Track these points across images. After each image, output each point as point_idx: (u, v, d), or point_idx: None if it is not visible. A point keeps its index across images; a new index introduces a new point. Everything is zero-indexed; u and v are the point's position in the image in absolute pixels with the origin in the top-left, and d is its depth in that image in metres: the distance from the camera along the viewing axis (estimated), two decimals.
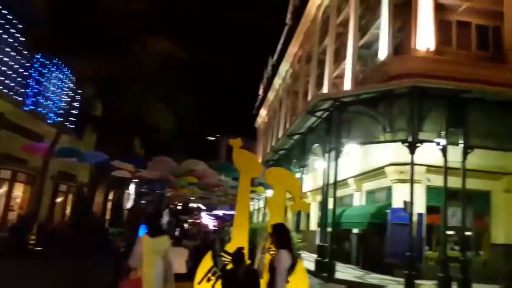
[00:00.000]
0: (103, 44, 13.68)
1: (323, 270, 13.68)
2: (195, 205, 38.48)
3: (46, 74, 16.32)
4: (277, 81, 43.79)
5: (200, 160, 17.19)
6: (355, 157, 17.15)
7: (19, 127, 15.15)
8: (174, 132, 21.26)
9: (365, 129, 14.24)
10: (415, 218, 13.20)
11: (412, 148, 12.63)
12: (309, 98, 26.77)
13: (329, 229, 15.07)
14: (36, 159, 15.04)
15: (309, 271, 10.08)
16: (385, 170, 15.38)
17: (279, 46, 44.19)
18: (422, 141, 12.74)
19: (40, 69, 15.93)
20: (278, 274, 4.56)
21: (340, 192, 17.34)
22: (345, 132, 14.54)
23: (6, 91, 13.61)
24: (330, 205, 15.04)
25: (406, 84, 13.36)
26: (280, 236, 4.85)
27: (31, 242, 12.19)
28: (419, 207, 14.07)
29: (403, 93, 13.42)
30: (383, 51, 18.21)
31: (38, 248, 12.28)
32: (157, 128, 18.69)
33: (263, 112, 54.25)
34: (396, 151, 14.31)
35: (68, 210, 19.81)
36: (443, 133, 12.78)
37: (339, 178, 14.98)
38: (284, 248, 4.68)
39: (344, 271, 14.76)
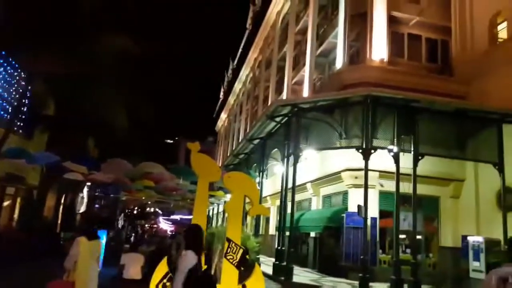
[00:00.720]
0: (56, 39, 13.11)
1: (280, 274, 13.80)
2: (152, 209, 37.67)
3: None
4: (238, 86, 43.96)
5: (158, 163, 16.83)
6: (313, 162, 17.52)
7: None
8: (131, 133, 20.70)
9: (322, 135, 14.58)
10: (369, 222, 13.64)
11: (366, 155, 13.07)
12: (269, 103, 27.07)
13: (287, 233, 15.25)
14: None
15: (266, 275, 10.16)
16: (341, 175, 15.81)
17: (240, 51, 44.40)
18: (375, 148, 13.21)
19: None
20: (179, 273, 4.58)
21: (298, 197, 17.63)
22: (303, 137, 14.81)
23: None
24: (289, 209, 15.23)
25: (360, 92, 13.84)
26: (189, 237, 4.89)
27: None
28: (373, 211, 14.56)
29: (357, 101, 13.88)
30: (339, 60, 18.79)
31: None
32: (113, 128, 18.10)
33: (223, 115, 54.18)
34: (351, 157, 14.74)
35: (16, 214, 18.70)
36: (395, 140, 13.33)
37: (298, 182, 15.20)
38: (190, 249, 4.73)
39: (301, 275, 14.97)
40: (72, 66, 14.24)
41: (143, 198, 23.83)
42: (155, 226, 40.34)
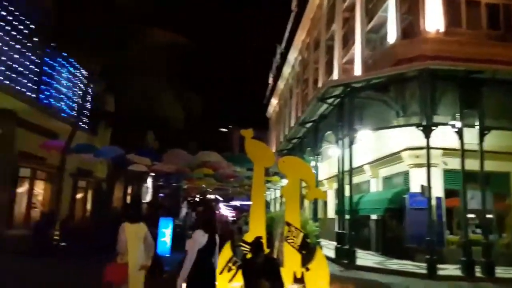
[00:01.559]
0: (111, 37, 13.70)
1: (343, 257, 13.71)
2: (212, 196, 38.81)
3: (57, 71, 16.50)
4: (287, 70, 43.49)
5: (213, 151, 17.26)
6: (369, 143, 17.02)
7: (34, 125, 15.38)
8: (186, 124, 21.35)
9: (378, 115, 14.08)
10: (433, 202, 13.05)
11: (426, 132, 12.45)
12: (320, 85, 26.57)
13: (347, 216, 15.04)
14: (54, 157, 15.28)
15: (329, 258, 10.11)
16: (401, 155, 15.23)
17: (286, 34, 43.79)
18: (436, 124, 12.55)
19: (51, 66, 16.10)
20: (188, 250, 4.86)
21: (356, 179, 17.26)
22: (358, 118, 14.40)
23: (19, 88, 13.80)
24: (347, 192, 14.99)
25: (417, 67, 13.14)
26: (201, 218, 5.15)
27: (55, 239, 12.45)
28: (437, 191, 13.91)
29: (414, 76, 13.21)
30: (391, 35, 17.91)
31: (62, 244, 12.54)
32: (169, 120, 18.77)
33: (274, 101, 54.04)
34: (411, 136, 14.14)
35: (88, 206, 20.14)
36: (457, 115, 12.56)
37: (354, 165, 14.88)
38: (199, 228, 5.00)
39: (364, 258, 14.75)
40: (127, 62, 14.86)
41: (203, 185, 24.66)
42: (217, 212, 41.63)
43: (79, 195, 19.20)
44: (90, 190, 20.17)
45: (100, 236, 12.65)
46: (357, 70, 20.94)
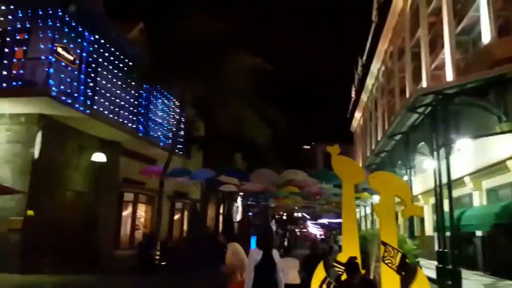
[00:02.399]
0: (196, 67, 14.61)
1: (446, 278, 12.61)
2: (299, 214, 38.63)
3: (153, 103, 18.06)
4: (370, 81, 42.26)
5: (298, 169, 17.27)
6: (469, 153, 15.69)
7: (135, 153, 16.91)
8: (271, 143, 21.71)
9: (477, 122, 12.91)
10: None
11: None
12: (407, 94, 25.27)
13: (447, 233, 13.89)
14: (153, 181, 16.61)
15: (430, 279, 9.38)
16: (507, 164, 13.74)
17: (368, 45, 42.73)
18: None
19: (148, 99, 17.68)
20: (246, 268, 5.05)
21: (455, 192, 15.92)
22: (454, 126, 13.34)
23: (122, 121, 15.34)
24: (446, 207, 13.88)
25: None
26: (259, 236, 5.33)
27: (156, 257, 13.41)
28: None
29: None
30: (485, 34, 16.50)
31: (162, 263, 13.46)
32: (255, 140, 19.28)
33: (357, 115, 52.64)
34: None
35: (185, 226, 21.37)
36: None
37: (453, 177, 13.76)
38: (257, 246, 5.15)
39: (471, 278, 13.44)
40: (213, 88, 15.69)
41: (290, 203, 24.70)
42: (305, 230, 41.19)
43: (176, 216, 20.49)
44: (186, 211, 21.41)
45: (196, 255, 13.34)
46: (448, 76, 19.58)
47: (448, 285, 12.24)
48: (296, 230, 39.90)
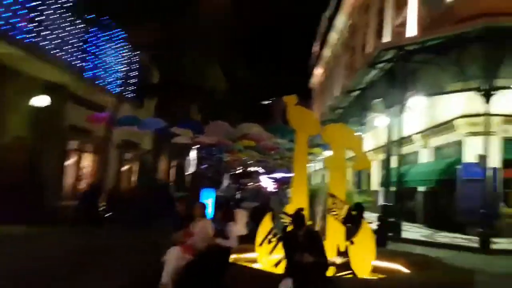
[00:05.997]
0: (154, 8, 13.54)
1: (388, 230, 13.18)
2: (254, 169, 38.99)
3: (103, 44, 16.71)
4: (333, 36, 41.68)
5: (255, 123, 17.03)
6: (420, 111, 16.04)
7: (83, 99, 15.79)
8: (229, 97, 21.22)
9: (433, 80, 13.09)
10: (489, 173, 12.13)
11: (487, 97, 11.41)
12: (370, 50, 25.21)
13: (392, 188, 14.43)
14: (100, 129, 15.71)
15: (373, 231, 9.71)
16: (455, 123, 14.21)
17: None
18: (498, 88, 11.47)
19: (97, 39, 16.30)
20: None
21: (404, 150, 16.41)
22: (410, 84, 13.46)
23: (66, 63, 14.08)
24: (394, 164, 14.31)
25: (478, 25, 11.90)
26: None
27: (101, 209, 12.92)
28: (494, 161, 12.89)
29: (475, 36, 12.01)
30: None
31: (107, 214, 13.01)
32: (213, 92, 18.70)
33: (318, 71, 52.54)
34: (467, 102, 13.10)
35: (134, 178, 20.78)
36: None
37: (403, 134, 14.08)
38: None
39: (411, 230, 14.18)
40: (171, 34, 14.73)
41: (245, 158, 24.69)
42: (259, 184, 41.89)
43: (125, 167, 19.79)
44: (136, 162, 20.72)
45: (146, 206, 12.98)
46: (411, 32, 19.46)
47: (389, 236, 12.81)
48: (250, 184, 40.46)
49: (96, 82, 15.87)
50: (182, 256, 5.31)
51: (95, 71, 15.87)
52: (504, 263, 9.49)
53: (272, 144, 17.90)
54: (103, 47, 16.48)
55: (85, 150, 16.61)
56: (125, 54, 17.98)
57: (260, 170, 40.96)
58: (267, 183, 42.10)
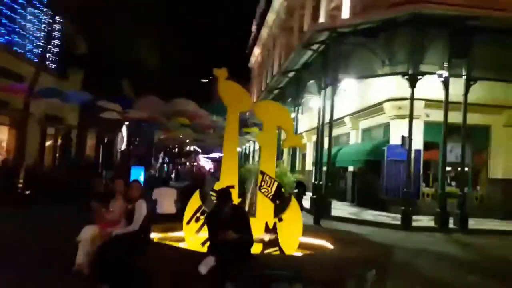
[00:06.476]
0: None
1: (318, 208, 13.58)
2: (191, 148, 38.37)
3: (19, 7, 15.05)
4: (271, 16, 41.58)
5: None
6: (351, 94, 16.53)
7: (1, 68, 14.22)
8: (166, 74, 20.35)
9: (364, 63, 13.47)
10: (412, 154, 12.89)
11: (412, 81, 11.99)
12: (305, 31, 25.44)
13: (324, 168, 14.85)
14: (20, 102, 14.28)
15: (304, 209, 9.93)
16: (383, 106, 14.85)
17: None
18: (423, 73, 12.07)
19: (13, 3, 14.66)
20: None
21: (336, 131, 16.94)
22: (343, 66, 13.75)
23: None
24: (326, 145, 14.68)
25: (407, 10, 12.36)
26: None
27: (19, 186, 11.83)
28: (417, 143, 13.72)
29: (404, 21, 12.48)
30: None
31: (26, 192, 11.94)
32: (147, 67, 17.80)
33: (256, 51, 52.34)
34: (395, 86, 13.70)
35: (58, 154, 19.38)
36: (445, 64, 12.07)
37: (335, 116, 14.46)
38: None
39: (340, 208, 14.76)
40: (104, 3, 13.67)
41: (181, 136, 24.05)
42: (196, 164, 41.36)
43: (48, 143, 18.34)
44: (60, 137, 19.29)
45: (72, 184, 12.09)
46: (345, 15, 19.86)
47: (319, 213, 13.21)
48: (188, 163, 39.82)
49: (13, 48, 14.35)
50: (98, 235, 4.92)
51: (10, 36, 14.31)
52: (423, 239, 10.15)
53: (209, 123, 17.58)
54: (19, 10, 14.88)
55: (2, 123, 15.10)
56: (46, 19, 16.41)
57: (198, 149, 40.45)
58: (205, 163, 41.77)
